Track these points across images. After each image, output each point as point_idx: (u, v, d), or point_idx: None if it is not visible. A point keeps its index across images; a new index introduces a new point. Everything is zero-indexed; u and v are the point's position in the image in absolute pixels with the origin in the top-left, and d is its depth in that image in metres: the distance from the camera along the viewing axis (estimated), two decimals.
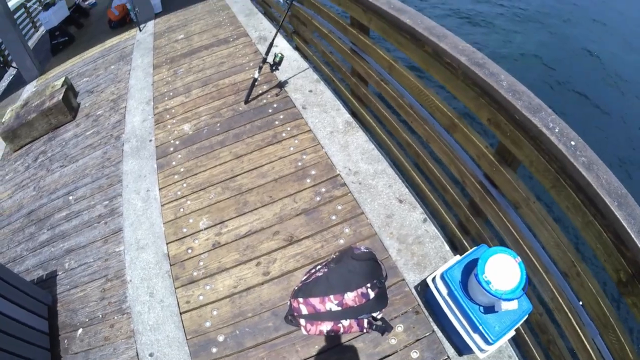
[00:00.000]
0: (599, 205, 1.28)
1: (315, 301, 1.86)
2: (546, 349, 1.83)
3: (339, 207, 2.25)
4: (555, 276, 1.65)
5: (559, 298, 1.63)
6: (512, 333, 1.66)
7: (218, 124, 3.04)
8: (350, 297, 1.83)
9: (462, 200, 2.02)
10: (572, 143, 1.39)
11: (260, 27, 4.15)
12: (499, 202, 1.78)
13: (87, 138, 3.67)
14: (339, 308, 1.83)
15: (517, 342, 1.93)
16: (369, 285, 1.83)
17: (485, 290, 1.54)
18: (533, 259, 1.70)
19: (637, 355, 1.36)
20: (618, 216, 1.20)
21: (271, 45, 2.96)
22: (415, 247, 2.04)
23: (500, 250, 1.65)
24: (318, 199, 2.32)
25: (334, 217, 2.22)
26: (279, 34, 3.75)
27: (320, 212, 2.27)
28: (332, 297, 1.83)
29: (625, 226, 1.18)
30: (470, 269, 1.68)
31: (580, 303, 1.56)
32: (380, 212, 2.19)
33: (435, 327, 1.79)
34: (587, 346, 1.54)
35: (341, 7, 2.51)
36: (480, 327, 1.58)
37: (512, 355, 1.74)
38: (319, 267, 1.98)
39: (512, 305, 1.62)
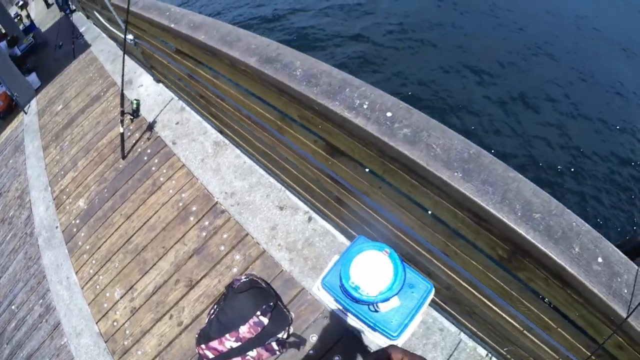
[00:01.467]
0: (435, 182, 1.17)
1: (215, 344, 1.76)
2: (470, 317, 1.75)
3: (225, 236, 2.12)
4: (440, 255, 1.56)
5: (454, 275, 1.54)
6: (419, 318, 1.57)
7: (105, 190, 2.85)
8: (245, 330, 1.72)
9: (329, 195, 1.89)
10: (388, 114, 1.26)
11: (125, 70, 3.88)
12: (353, 192, 1.66)
13: (8, 244, 3.49)
14: (239, 343, 1.73)
15: (448, 312, 1.86)
16: (258, 313, 1.72)
17: (356, 298, 1.43)
18: (411, 243, 1.59)
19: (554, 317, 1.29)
20: (464, 191, 1.09)
21: (122, 96, 2.75)
22: (307, 250, 1.93)
23: (365, 248, 1.54)
24: (204, 234, 2.18)
25: (222, 248, 2.09)
26: (143, 69, 3.52)
27: (209, 247, 2.13)
28: (227, 335, 1.73)
29: (479, 201, 1.07)
30: (353, 257, 1.56)
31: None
32: (264, 227, 2.06)
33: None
34: (504, 315, 1.46)
35: (162, 37, 2.31)
36: (378, 327, 1.48)
37: (443, 327, 1.66)
38: (212, 308, 1.87)
39: (393, 303, 1.52)
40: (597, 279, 1.10)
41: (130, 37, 3.00)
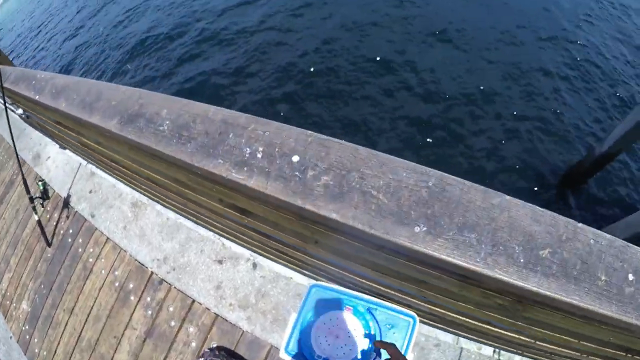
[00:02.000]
0: (389, 246, 1.06)
1: None
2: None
3: (171, 309, 1.83)
4: (415, 295, 1.32)
5: (438, 310, 1.31)
6: (410, 356, 1.34)
7: (42, 286, 2.51)
8: None
9: (268, 240, 1.59)
10: (295, 159, 1.03)
11: (31, 144, 3.43)
12: (289, 244, 1.38)
13: None
14: None
15: (438, 326, 1.64)
16: None
17: None
18: (376, 285, 1.33)
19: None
20: (436, 253, 0.91)
21: (25, 183, 2.37)
22: (262, 303, 1.65)
23: (321, 311, 1.27)
24: (149, 312, 1.88)
25: (173, 323, 1.80)
26: (48, 139, 3.10)
27: (159, 326, 1.84)
28: None
29: (461, 262, 0.89)
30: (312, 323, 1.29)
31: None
32: (208, 288, 1.77)
33: None
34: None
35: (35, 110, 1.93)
36: None
37: (438, 342, 1.46)
38: None
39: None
40: (632, 305, 0.88)
41: (19, 111, 2.63)
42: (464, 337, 1.67)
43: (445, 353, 1.61)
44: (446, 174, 0.96)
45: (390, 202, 0.91)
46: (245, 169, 0.99)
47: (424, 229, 0.89)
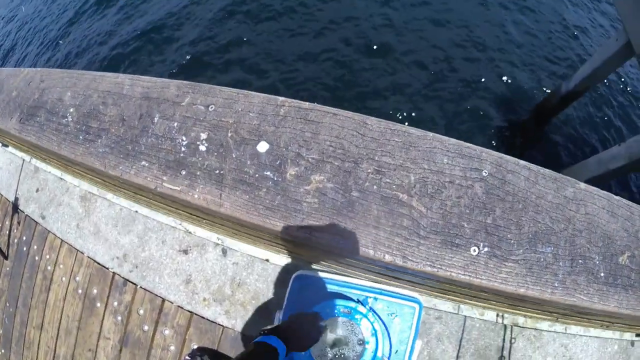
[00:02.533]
0: None
1: None
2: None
3: (141, 312, 1.56)
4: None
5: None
6: (418, 344, 1.10)
7: (7, 304, 2.24)
8: None
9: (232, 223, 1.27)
10: None
11: None
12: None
13: None
14: None
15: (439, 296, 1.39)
16: None
17: None
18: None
19: None
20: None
21: None
22: (239, 293, 1.39)
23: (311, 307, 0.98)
24: (119, 318, 1.62)
25: (146, 328, 1.55)
26: None
27: (132, 332, 1.59)
28: None
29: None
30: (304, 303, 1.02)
31: None
32: (177, 284, 1.49)
33: None
34: None
35: None
36: None
37: (440, 314, 1.25)
38: None
39: None
40: None
41: None
42: (465, 303, 1.42)
43: (447, 325, 1.37)
44: (502, 155, 0.62)
45: (431, 213, 0.58)
46: (184, 172, 0.67)
47: (485, 249, 0.57)
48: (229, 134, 0.70)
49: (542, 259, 0.55)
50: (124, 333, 1.61)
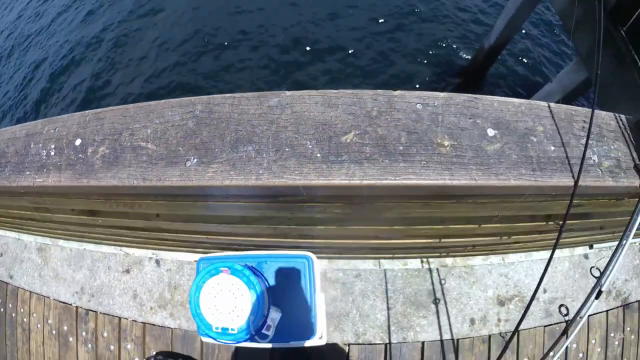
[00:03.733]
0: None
1: None
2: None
3: (105, 334, 1.75)
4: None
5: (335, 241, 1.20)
6: (320, 297, 1.24)
7: None
8: None
9: (148, 233, 1.43)
10: (77, 142, 0.95)
11: None
12: (152, 227, 1.23)
13: None
14: None
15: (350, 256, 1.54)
16: None
17: (236, 340, 1.08)
18: (251, 238, 1.21)
19: None
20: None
21: None
22: (178, 295, 1.57)
23: (202, 279, 1.13)
24: (90, 346, 1.81)
25: (112, 348, 1.75)
26: None
27: (102, 355, 1.78)
28: None
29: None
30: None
31: None
32: (127, 301, 1.66)
33: None
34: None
35: None
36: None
37: (358, 272, 1.39)
38: None
39: (275, 316, 1.18)
40: (505, 164, 0.88)
41: None
42: (385, 258, 1.57)
43: (368, 280, 1.53)
44: (214, 96, 0.79)
45: (159, 147, 0.75)
46: (45, 170, 0.85)
47: (195, 160, 0.73)
48: (64, 141, 0.90)
49: (244, 156, 0.72)
50: (96, 358, 1.76)
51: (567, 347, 1.46)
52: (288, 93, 0.76)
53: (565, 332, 0.96)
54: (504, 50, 6.22)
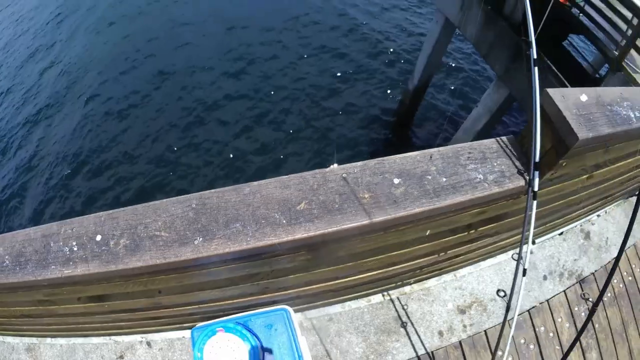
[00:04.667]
0: (187, 265, 1.21)
1: None
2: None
3: None
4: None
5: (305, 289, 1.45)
6: (303, 340, 1.45)
7: None
8: None
9: (144, 316, 1.60)
10: (98, 238, 1.15)
11: None
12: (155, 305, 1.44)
13: None
14: None
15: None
16: None
17: None
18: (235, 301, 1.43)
19: None
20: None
21: None
22: None
23: (201, 342, 1.33)
24: None
25: None
26: None
27: None
28: None
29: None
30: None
31: None
32: None
33: None
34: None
35: None
36: None
37: (331, 317, 1.53)
38: None
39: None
40: (409, 199, 1.20)
41: None
42: (349, 300, 1.85)
43: (340, 321, 1.77)
44: (205, 192, 1.10)
45: (171, 234, 1.02)
46: (71, 263, 1.06)
47: (200, 239, 1.01)
48: (84, 238, 1.15)
49: (235, 231, 1.02)
50: None
51: (534, 330, 1.78)
52: (255, 183, 1.09)
53: (507, 309, 1.30)
54: (429, 87, 6.89)
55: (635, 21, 5.01)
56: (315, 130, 6.61)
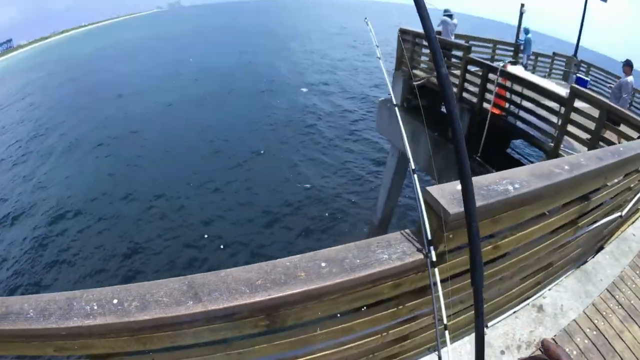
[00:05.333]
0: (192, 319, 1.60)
1: None
2: None
3: None
4: None
5: None
6: None
7: None
8: None
9: None
10: (115, 301, 1.60)
11: None
12: None
13: None
14: None
15: None
16: None
17: None
18: None
19: None
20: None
21: None
22: None
23: None
24: None
25: None
26: None
27: None
28: None
29: None
30: None
31: None
32: None
33: None
34: None
35: None
36: None
37: None
38: None
39: None
40: (332, 275, 1.72)
41: None
42: None
43: None
44: (195, 275, 1.70)
45: (170, 299, 1.58)
46: (91, 316, 1.52)
47: (191, 302, 1.57)
48: (103, 300, 1.59)
49: (215, 297, 1.56)
50: None
51: None
52: (228, 270, 1.71)
53: None
54: (392, 218, 7.55)
55: (562, 110, 5.99)
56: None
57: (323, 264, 1.84)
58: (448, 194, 1.83)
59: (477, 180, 1.91)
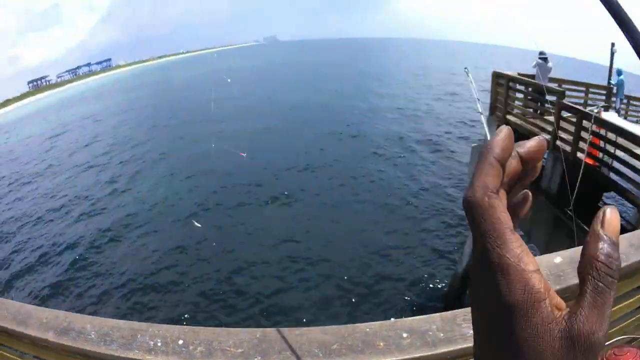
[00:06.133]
0: None
1: None
2: None
3: None
4: None
5: None
6: None
7: None
8: None
9: None
10: (180, 342, 1.51)
11: None
12: None
13: None
14: None
15: None
16: None
17: None
18: None
19: None
20: None
21: None
22: None
23: None
24: None
25: None
26: None
27: None
28: None
29: None
30: None
31: None
32: None
33: None
34: None
35: None
36: None
37: None
38: None
39: None
40: (414, 347, 1.55)
41: None
42: None
43: None
44: (267, 328, 1.59)
45: (237, 350, 1.47)
46: (153, 352, 1.46)
47: (259, 358, 1.44)
48: (168, 338, 1.48)
49: (285, 356, 1.39)
50: None
51: None
52: (304, 328, 1.59)
53: None
54: None
55: None
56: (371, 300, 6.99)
57: (404, 335, 1.64)
58: (545, 269, 1.65)
59: (572, 253, 1.73)
